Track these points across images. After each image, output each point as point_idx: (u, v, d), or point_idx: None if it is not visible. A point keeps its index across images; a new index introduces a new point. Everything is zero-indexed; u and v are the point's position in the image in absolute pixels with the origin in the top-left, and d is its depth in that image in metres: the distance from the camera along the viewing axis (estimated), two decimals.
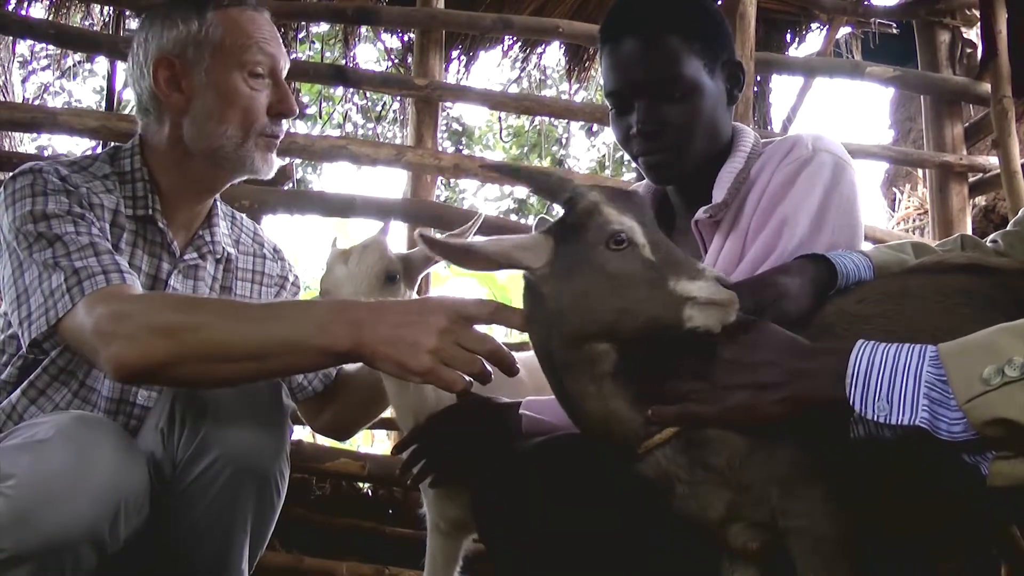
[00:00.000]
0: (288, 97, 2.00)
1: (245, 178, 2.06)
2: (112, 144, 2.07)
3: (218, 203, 2.11)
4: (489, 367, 1.55)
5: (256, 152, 1.97)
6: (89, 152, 2.04)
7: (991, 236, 1.84)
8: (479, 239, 1.50)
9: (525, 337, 1.58)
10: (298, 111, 2.06)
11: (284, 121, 2.03)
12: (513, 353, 2.24)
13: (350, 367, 2.26)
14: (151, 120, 1.99)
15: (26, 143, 8.26)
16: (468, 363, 1.52)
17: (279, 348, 1.57)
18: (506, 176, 1.62)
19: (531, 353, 2.33)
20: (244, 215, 2.29)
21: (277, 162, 2.03)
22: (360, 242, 2.02)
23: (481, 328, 1.57)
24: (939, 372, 1.22)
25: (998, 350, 1.18)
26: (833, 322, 1.55)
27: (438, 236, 1.48)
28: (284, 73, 2.02)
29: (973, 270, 1.57)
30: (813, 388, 1.32)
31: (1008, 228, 1.81)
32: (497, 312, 1.54)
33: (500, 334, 5.70)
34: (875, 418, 1.24)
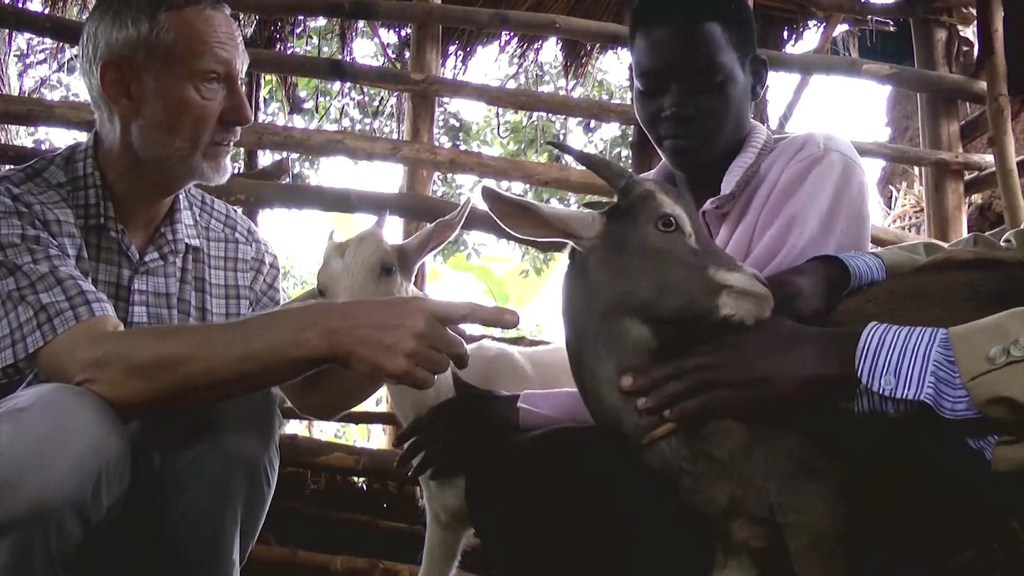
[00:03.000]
0: (242, 105, 1.92)
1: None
2: (69, 145, 2.02)
3: (180, 194, 2.05)
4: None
5: (205, 163, 1.90)
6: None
7: (1005, 235, 1.85)
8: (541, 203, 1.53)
9: (544, 334, 1.60)
10: (252, 119, 1.98)
11: (237, 128, 1.95)
12: (522, 349, 2.26)
13: None
14: (103, 116, 1.93)
15: (23, 136, 8.26)
16: (440, 364, 1.56)
17: (257, 367, 1.59)
18: (569, 155, 1.66)
19: (538, 349, 2.35)
20: (216, 198, 2.22)
21: (229, 167, 1.97)
22: (356, 235, 2.02)
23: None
24: (948, 353, 1.24)
25: (1005, 331, 1.21)
26: (843, 320, 1.56)
27: (499, 191, 1.51)
28: (242, 72, 1.94)
29: (978, 265, 1.59)
30: (823, 365, 1.34)
31: (1022, 227, 1.82)
32: (471, 312, 1.58)
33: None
34: (880, 391, 1.26)
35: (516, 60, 7.23)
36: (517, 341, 3.71)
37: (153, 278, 1.98)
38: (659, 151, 1.92)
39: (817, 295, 1.58)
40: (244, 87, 1.95)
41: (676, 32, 1.81)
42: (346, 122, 11.05)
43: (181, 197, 2.06)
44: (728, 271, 1.40)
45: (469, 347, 1.63)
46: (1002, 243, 1.83)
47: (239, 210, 2.29)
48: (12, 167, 1.91)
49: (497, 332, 4.07)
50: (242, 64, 1.93)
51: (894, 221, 7.95)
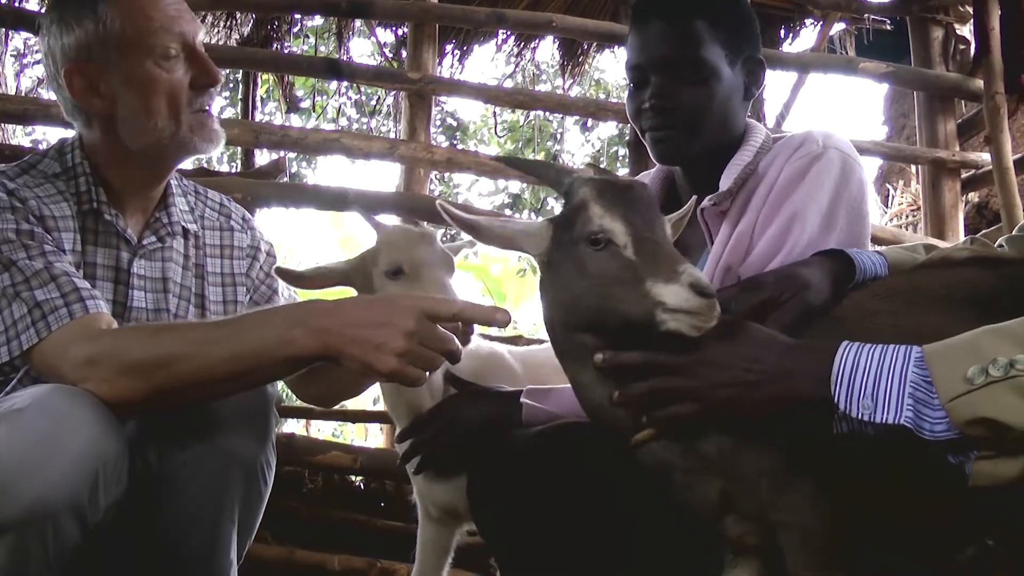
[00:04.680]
0: (208, 67, 1.90)
1: (194, 156, 2.02)
2: (60, 139, 2.03)
3: (173, 182, 2.06)
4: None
5: (194, 135, 1.90)
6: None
7: (999, 240, 1.85)
8: (491, 219, 1.53)
9: (541, 333, 1.62)
10: (223, 78, 1.99)
11: (212, 89, 1.94)
12: (511, 348, 2.26)
13: None
14: (80, 125, 1.95)
15: (20, 136, 8.24)
16: (432, 362, 1.56)
17: (248, 365, 1.60)
18: (510, 167, 1.67)
19: (528, 348, 2.36)
20: (209, 188, 2.23)
21: (221, 133, 1.97)
22: (424, 228, 2.04)
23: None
24: (924, 373, 1.23)
25: (982, 350, 1.20)
26: (846, 315, 1.57)
27: (455, 209, 1.53)
28: (199, 40, 1.93)
29: (976, 263, 1.60)
30: (798, 386, 1.33)
31: (1014, 233, 1.82)
32: (463, 310, 1.58)
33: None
34: (859, 416, 1.26)
35: (513, 59, 7.23)
36: (515, 340, 3.71)
37: (152, 262, 1.98)
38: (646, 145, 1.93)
39: (825, 288, 1.59)
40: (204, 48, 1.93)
41: (661, 27, 1.84)
42: (343, 121, 11.07)
43: (174, 184, 2.06)
44: (665, 283, 1.32)
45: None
46: (996, 247, 1.84)
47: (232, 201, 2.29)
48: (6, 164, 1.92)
49: (493, 331, 4.08)
50: (196, 30, 1.92)
51: (891, 219, 7.97)
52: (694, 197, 1.72)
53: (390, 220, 4.70)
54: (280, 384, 2.06)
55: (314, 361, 1.60)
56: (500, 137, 13.25)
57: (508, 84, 7.56)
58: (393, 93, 7.36)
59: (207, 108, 1.93)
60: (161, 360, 1.60)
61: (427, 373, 1.56)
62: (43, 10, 5.53)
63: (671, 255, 1.39)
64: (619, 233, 1.40)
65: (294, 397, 2.36)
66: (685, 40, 1.82)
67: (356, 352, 1.53)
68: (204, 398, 1.68)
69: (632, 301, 1.35)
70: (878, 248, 1.79)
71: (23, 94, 7.96)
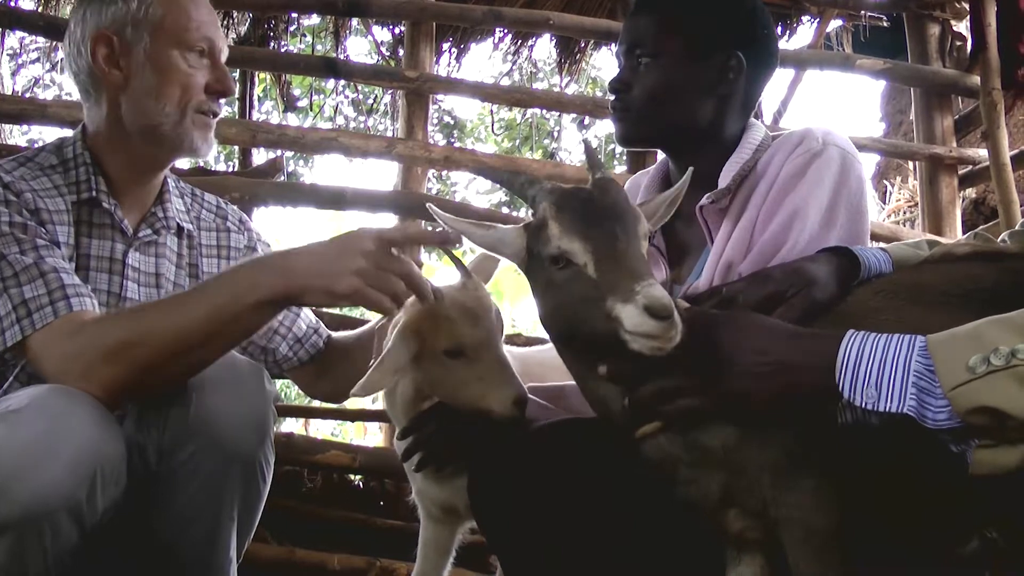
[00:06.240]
0: (226, 77, 1.99)
1: (186, 158, 2.08)
2: (59, 137, 2.07)
3: (169, 180, 2.10)
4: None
5: (194, 131, 1.96)
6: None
7: (1001, 236, 1.85)
8: (477, 225, 1.56)
9: (540, 330, 1.64)
10: (236, 92, 2.06)
11: (222, 100, 2.02)
12: (510, 348, 2.25)
13: (343, 336, 2.34)
14: (91, 101, 1.98)
15: (16, 136, 8.23)
16: (390, 285, 1.61)
17: (222, 320, 1.64)
18: (482, 177, 1.70)
19: (529, 349, 2.35)
20: (205, 192, 2.27)
21: (215, 143, 2.03)
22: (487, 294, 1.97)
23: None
24: (927, 362, 1.24)
25: (984, 340, 1.21)
26: (851, 312, 1.58)
27: (437, 211, 1.59)
28: (223, 57, 2.01)
29: (978, 258, 1.60)
30: (804, 376, 1.34)
31: (1017, 228, 1.83)
32: (415, 234, 1.67)
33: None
34: (863, 405, 1.27)
35: (510, 57, 7.22)
36: (513, 339, 3.71)
37: (146, 256, 2.01)
38: None
39: (831, 284, 1.61)
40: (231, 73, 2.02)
41: (633, 17, 1.91)
42: (340, 120, 11.05)
43: (171, 184, 2.09)
44: (623, 304, 1.31)
45: None
46: (998, 242, 1.84)
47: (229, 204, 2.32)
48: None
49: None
50: (224, 45, 2.00)
51: (889, 216, 7.98)
52: (690, 169, 1.71)
53: (390, 220, 4.72)
54: (279, 382, 2.07)
55: (283, 304, 1.69)
56: (497, 135, 13.24)
57: (505, 82, 7.51)
58: (390, 92, 7.35)
59: (215, 112, 2.00)
60: (136, 338, 1.63)
61: (390, 300, 1.62)
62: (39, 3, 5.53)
63: (631, 271, 1.36)
64: (579, 252, 1.40)
65: (292, 396, 2.36)
66: (645, 28, 1.88)
67: (317, 283, 1.61)
68: (186, 369, 1.70)
69: (597, 320, 1.36)
70: (882, 245, 1.80)
71: (19, 94, 7.94)
